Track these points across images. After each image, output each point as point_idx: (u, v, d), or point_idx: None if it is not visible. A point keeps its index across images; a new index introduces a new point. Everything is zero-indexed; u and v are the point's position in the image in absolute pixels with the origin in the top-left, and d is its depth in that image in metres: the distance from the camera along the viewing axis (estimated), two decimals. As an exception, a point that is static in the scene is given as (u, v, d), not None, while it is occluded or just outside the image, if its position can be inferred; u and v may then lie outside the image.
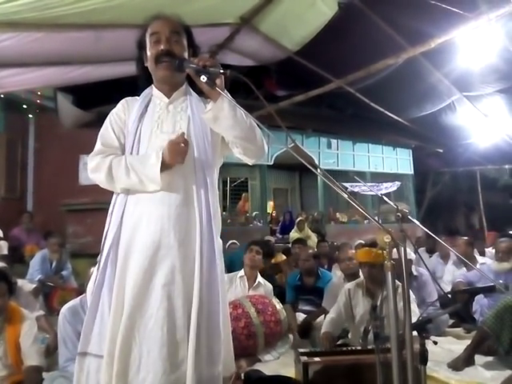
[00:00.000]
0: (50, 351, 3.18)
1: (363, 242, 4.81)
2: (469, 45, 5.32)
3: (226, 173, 9.13)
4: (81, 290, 3.51)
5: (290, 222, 9.26)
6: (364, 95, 7.22)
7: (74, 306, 2.69)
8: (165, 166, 1.42)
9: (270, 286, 3.79)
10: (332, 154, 9.93)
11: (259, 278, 3.71)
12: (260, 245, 3.76)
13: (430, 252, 5.60)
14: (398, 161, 11.03)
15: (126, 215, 1.47)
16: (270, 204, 10.99)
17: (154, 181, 1.42)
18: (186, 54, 1.55)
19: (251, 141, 1.49)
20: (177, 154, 1.41)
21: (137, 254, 1.42)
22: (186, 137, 1.45)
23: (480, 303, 3.88)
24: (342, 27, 5.28)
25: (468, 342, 3.18)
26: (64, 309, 2.70)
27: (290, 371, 2.79)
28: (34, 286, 4.39)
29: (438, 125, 8.48)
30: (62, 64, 4.80)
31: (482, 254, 5.51)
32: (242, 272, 3.68)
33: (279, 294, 4.45)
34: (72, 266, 5.43)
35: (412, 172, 11.22)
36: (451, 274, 4.67)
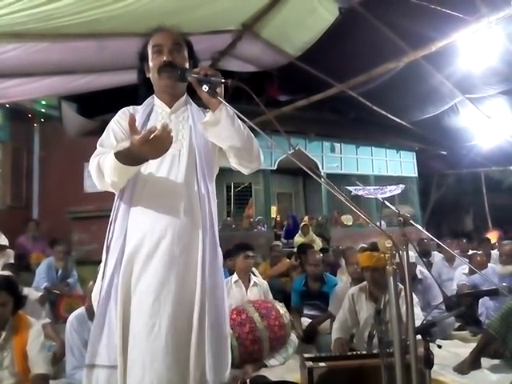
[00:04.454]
0: (57, 359, 3.20)
1: (365, 245, 4.80)
2: (470, 48, 5.34)
3: (230, 178, 9.16)
4: (87, 298, 3.53)
5: (293, 226, 9.25)
6: (366, 99, 7.25)
7: (80, 315, 2.72)
8: (141, 159, 1.35)
9: (264, 282, 3.85)
10: (335, 158, 9.93)
11: (254, 279, 3.77)
12: (251, 248, 3.80)
13: (425, 255, 5.42)
14: (402, 163, 11.02)
15: (130, 225, 1.47)
16: (274, 209, 10.99)
17: (108, 170, 1.35)
18: (187, 65, 1.57)
19: (247, 151, 1.50)
20: (158, 149, 1.31)
21: (141, 263, 1.43)
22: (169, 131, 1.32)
23: (486, 305, 3.87)
24: (343, 32, 5.31)
25: (474, 345, 3.16)
26: (71, 317, 2.75)
27: (296, 376, 2.79)
28: (40, 293, 4.42)
29: (442, 127, 8.49)
30: (65, 73, 4.86)
31: (488, 256, 5.47)
32: (235, 276, 3.70)
33: (285, 298, 4.45)
34: (78, 273, 5.46)
35: (416, 175, 11.19)
36: (458, 279, 4.63)
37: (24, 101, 6.75)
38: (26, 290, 3.72)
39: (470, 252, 5.67)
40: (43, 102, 7.55)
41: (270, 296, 3.77)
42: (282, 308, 3.48)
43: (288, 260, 6.00)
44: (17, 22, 3.35)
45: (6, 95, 5.07)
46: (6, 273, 3.80)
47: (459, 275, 4.67)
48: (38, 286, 4.92)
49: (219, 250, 1.53)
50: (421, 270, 4.12)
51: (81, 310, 2.78)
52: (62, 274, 5.26)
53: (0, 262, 5.22)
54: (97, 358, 1.39)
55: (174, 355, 1.37)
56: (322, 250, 5.89)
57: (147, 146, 1.27)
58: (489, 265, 4.49)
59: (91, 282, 2.83)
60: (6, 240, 5.67)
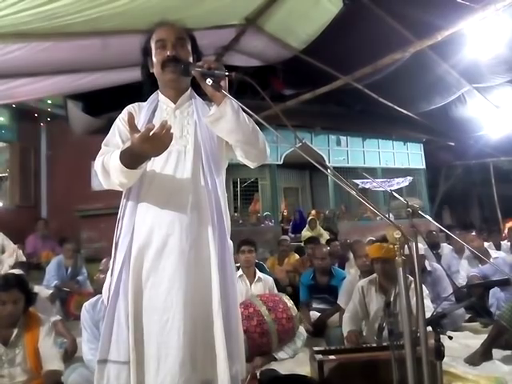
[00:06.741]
0: (68, 355, 3.26)
1: (373, 238, 4.78)
2: (477, 36, 5.25)
3: (237, 173, 9.15)
4: (97, 295, 3.58)
5: (300, 220, 9.25)
6: (372, 91, 7.18)
7: (94, 300, 2.93)
8: (143, 157, 1.35)
9: (270, 278, 3.88)
10: (342, 151, 9.89)
11: (258, 274, 3.81)
12: (249, 243, 3.84)
13: (434, 247, 5.40)
14: (409, 155, 10.94)
15: (137, 221, 1.47)
16: (283, 204, 10.97)
17: (116, 170, 1.36)
18: (191, 59, 1.57)
19: (253, 145, 1.49)
20: (158, 147, 1.32)
21: (151, 260, 1.44)
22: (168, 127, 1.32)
23: (496, 296, 3.84)
24: (347, 23, 5.25)
25: (485, 336, 3.14)
26: (86, 303, 2.96)
27: (306, 370, 2.79)
28: (51, 291, 4.46)
29: (449, 118, 8.39)
30: (70, 72, 4.86)
31: (498, 246, 5.42)
32: (240, 271, 3.77)
33: (293, 293, 4.45)
34: (87, 270, 5.51)
35: (424, 166, 11.11)
36: (465, 269, 4.62)
37: (30, 100, 6.78)
38: (36, 288, 3.76)
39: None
40: (49, 102, 7.60)
41: (276, 291, 3.79)
42: (289, 301, 3.49)
43: (298, 256, 6.00)
44: (21, 21, 3.36)
45: (12, 95, 5.10)
46: (17, 271, 3.84)
47: (465, 264, 4.67)
48: (48, 284, 4.97)
49: (229, 244, 1.53)
50: (430, 262, 4.10)
51: (95, 297, 2.95)
52: (71, 272, 5.30)
53: (12, 259, 5.26)
54: (108, 353, 1.41)
55: (187, 350, 1.38)
56: (329, 241, 5.89)
57: (147, 144, 1.28)
58: (499, 254, 4.47)
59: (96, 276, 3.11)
60: (11, 243, 5.55)
